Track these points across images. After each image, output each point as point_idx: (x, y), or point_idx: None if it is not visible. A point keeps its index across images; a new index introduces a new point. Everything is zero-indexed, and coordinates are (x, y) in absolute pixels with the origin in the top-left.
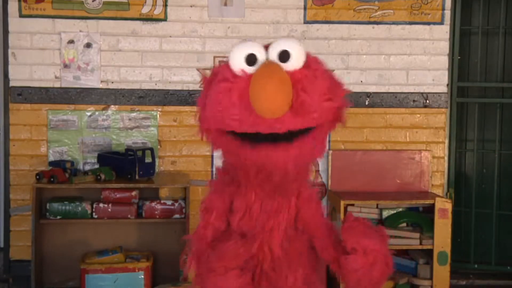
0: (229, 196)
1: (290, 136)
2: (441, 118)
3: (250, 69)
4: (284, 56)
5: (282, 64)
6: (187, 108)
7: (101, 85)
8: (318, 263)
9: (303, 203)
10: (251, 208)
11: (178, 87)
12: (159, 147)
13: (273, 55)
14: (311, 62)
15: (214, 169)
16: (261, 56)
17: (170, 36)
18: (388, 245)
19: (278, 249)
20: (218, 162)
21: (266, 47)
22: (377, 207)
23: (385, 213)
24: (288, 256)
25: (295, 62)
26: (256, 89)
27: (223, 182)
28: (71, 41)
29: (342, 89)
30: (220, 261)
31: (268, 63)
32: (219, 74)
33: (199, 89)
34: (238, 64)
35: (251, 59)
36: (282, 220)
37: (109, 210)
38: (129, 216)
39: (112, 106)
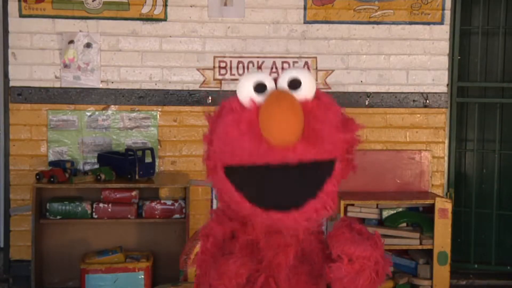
0: (231, 230)
1: (301, 170)
2: (441, 118)
3: (259, 98)
4: (295, 84)
5: (292, 92)
6: (187, 108)
7: (101, 85)
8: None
9: (307, 237)
10: (257, 243)
11: (178, 87)
12: (159, 147)
13: (283, 83)
14: (321, 95)
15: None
16: (270, 84)
17: (170, 36)
18: (382, 252)
19: (284, 284)
20: None
21: (275, 80)
22: (377, 207)
23: (385, 213)
24: (292, 286)
25: (306, 91)
26: (266, 116)
27: (225, 214)
28: (71, 41)
29: (355, 123)
30: (220, 279)
31: (278, 90)
32: (226, 107)
33: (199, 89)
34: (246, 93)
35: (260, 88)
36: (291, 255)
37: (109, 210)
38: (129, 216)
39: (112, 106)
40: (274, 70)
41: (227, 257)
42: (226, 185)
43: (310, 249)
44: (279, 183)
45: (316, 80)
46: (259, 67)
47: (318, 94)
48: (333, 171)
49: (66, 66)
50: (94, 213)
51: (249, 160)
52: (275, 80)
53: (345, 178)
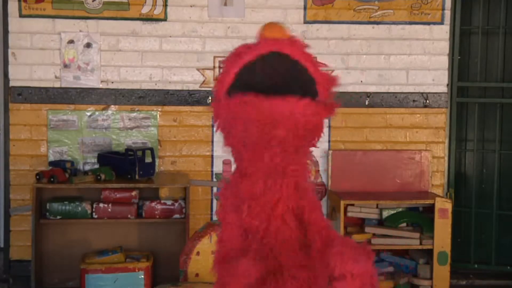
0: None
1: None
2: (441, 118)
3: None
4: None
5: None
6: (187, 108)
7: (101, 85)
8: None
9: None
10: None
11: (178, 87)
12: (159, 147)
13: None
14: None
15: (214, 169)
16: None
17: (170, 36)
18: (372, 263)
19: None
20: (218, 162)
21: None
22: (377, 207)
23: (385, 213)
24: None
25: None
26: (263, 27)
27: (232, 194)
28: (71, 41)
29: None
30: (231, 277)
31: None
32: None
33: (199, 89)
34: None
35: None
36: (286, 195)
37: (109, 210)
38: (129, 216)
39: (112, 106)
40: None
41: (237, 257)
42: (227, 101)
43: (311, 216)
44: (275, 70)
45: None
46: None
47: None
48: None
49: (66, 66)
50: (94, 213)
51: (250, 55)
52: None
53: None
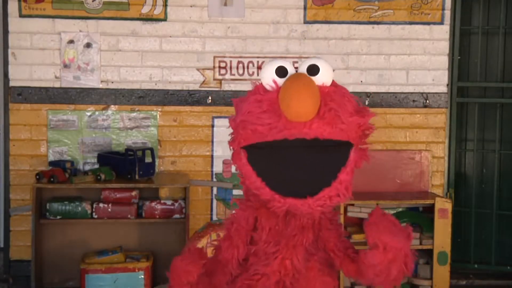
0: (252, 213)
1: (318, 146)
2: (441, 118)
3: (280, 81)
4: (313, 69)
5: (311, 77)
6: (187, 108)
7: (101, 85)
8: (334, 279)
9: (325, 223)
10: (276, 223)
11: (178, 87)
12: (159, 147)
13: (303, 68)
14: (338, 85)
15: (214, 169)
16: (291, 69)
17: (170, 36)
18: (411, 245)
19: (301, 266)
20: (218, 162)
21: (296, 67)
22: None
23: None
24: (308, 273)
25: (324, 77)
26: (285, 93)
27: (248, 200)
28: (71, 41)
29: (368, 111)
30: (172, 278)
31: (298, 73)
32: (251, 91)
33: (199, 89)
34: (269, 76)
35: (281, 72)
36: (307, 237)
37: (109, 210)
38: (129, 216)
39: (112, 106)
40: None
41: (179, 256)
42: (248, 171)
43: (327, 236)
44: (297, 167)
45: None
46: (259, 67)
47: (334, 83)
48: (348, 159)
49: (66, 66)
50: (94, 213)
51: (269, 135)
52: (296, 68)
53: (359, 167)
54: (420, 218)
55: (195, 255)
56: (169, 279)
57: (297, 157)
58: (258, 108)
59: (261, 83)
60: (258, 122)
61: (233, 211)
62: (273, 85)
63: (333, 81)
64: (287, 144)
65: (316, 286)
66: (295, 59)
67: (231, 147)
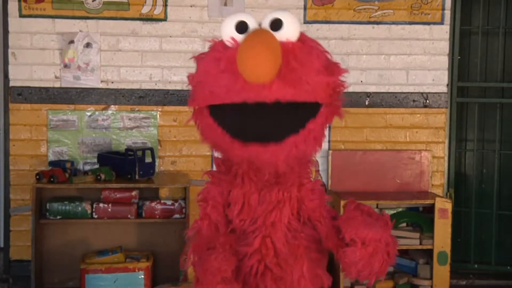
0: (227, 187)
1: (279, 109)
2: (441, 118)
3: (240, 37)
4: (276, 24)
5: (274, 33)
6: (187, 108)
7: (101, 85)
8: (323, 255)
9: (306, 194)
10: (249, 199)
11: (178, 87)
12: (159, 147)
13: (265, 23)
14: (307, 39)
15: (214, 169)
16: (252, 24)
17: (170, 36)
18: (390, 232)
19: (281, 244)
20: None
21: (260, 22)
22: (377, 207)
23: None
24: (292, 250)
25: (288, 32)
26: (243, 53)
27: (220, 172)
28: (71, 41)
29: (339, 68)
30: (205, 275)
31: (257, 29)
32: (211, 47)
33: None
34: (228, 32)
35: (242, 27)
36: (284, 213)
37: (109, 210)
38: (129, 216)
39: (112, 106)
40: None
41: (209, 253)
42: (209, 122)
43: (312, 206)
44: (262, 118)
45: None
46: None
47: (303, 37)
48: (317, 113)
49: (66, 66)
50: (94, 213)
51: (226, 98)
52: (260, 23)
53: (330, 122)
54: (420, 218)
55: (227, 250)
56: (198, 279)
57: (263, 112)
58: (216, 68)
59: (221, 40)
60: (215, 84)
61: (205, 185)
62: (233, 42)
63: (301, 34)
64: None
65: (304, 264)
66: None
67: (190, 107)
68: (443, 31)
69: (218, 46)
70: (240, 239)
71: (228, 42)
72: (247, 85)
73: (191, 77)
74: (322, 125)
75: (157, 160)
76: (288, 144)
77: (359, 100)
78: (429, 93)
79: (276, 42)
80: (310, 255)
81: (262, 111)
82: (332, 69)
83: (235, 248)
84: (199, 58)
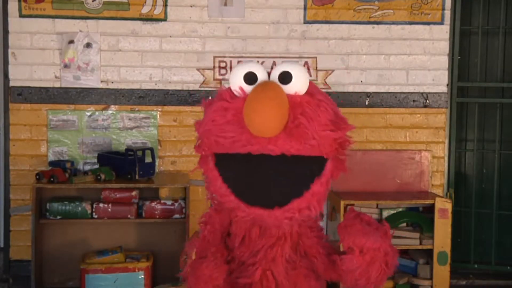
0: (228, 215)
1: (288, 165)
2: (441, 118)
3: (248, 88)
4: (285, 77)
5: (282, 86)
6: (187, 108)
7: (101, 85)
8: (322, 282)
9: (305, 231)
10: (250, 232)
11: (178, 87)
12: (159, 147)
13: (274, 75)
14: (315, 91)
15: None
16: (261, 75)
17: (170, 36)
18: (390, 242)
19: (282, 277)
20: None
21: (269, 73)
22: (377, 207)
23: (385, 213)
24: (292, 280)
25: (297, 85)
26: (250, 106)
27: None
28: (71, 41)
29: (346, 124)
30: (197, 283)
31: (266, 81)
32: (218, 95)
33: (199, 89)
34: (237, 82)
35: (251, 78)
36: (285, 249)
37: (109, 210)
38: (129, 216)
39: (112, 106)
40: None
41: (201, 261)
42: (214, 175)
43: (309, 244)
44: (265, 177)
45: (316, 80)
46: None
47: (312, 91)
48: (323, 171)
49: (66, 66)
50: (94, 213)
51: (232, 148)
52: (269, 73)
53: (335, 179)
54: (420, 218)
55: (218, 259)
56: (190, 286)
57: (267, 166)
58: (223, 118)
59: (229, 88)
60: (221, 134)
61: (208, 210)
62: (241, 92)
63: (311, 85)
64: (253, 156)
65: None
66: (295, 59)
67: (197, 152)
68: (443, 31)
69: (226, 95)
70: (239, 270)
71: (236, 91)
72: (253, 138)
73: (198, 125)
74: (326, 184)
75: (157, 160)
76: (291, 208)
77: (359, 100)
78: (429, 93)
79: (283, 97)
80: (309, 283)
81: (267, 164)
82: (339, 124)
83: (234, 279)
84: (207, 105)
